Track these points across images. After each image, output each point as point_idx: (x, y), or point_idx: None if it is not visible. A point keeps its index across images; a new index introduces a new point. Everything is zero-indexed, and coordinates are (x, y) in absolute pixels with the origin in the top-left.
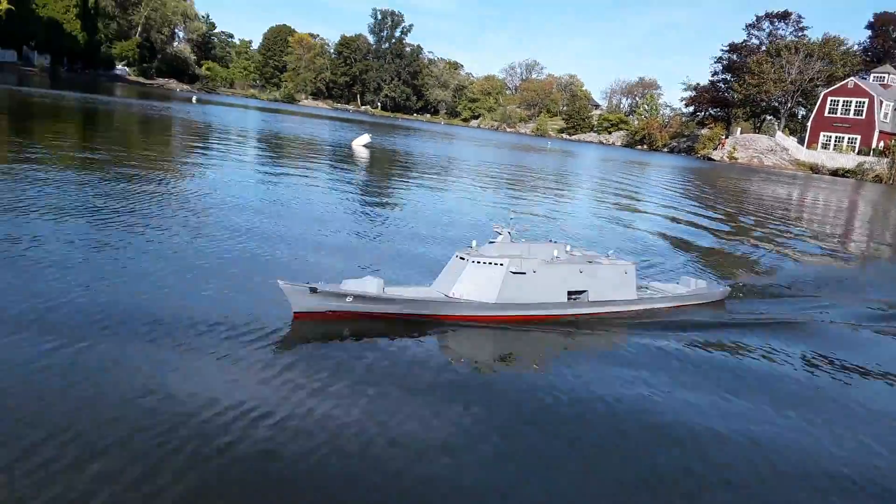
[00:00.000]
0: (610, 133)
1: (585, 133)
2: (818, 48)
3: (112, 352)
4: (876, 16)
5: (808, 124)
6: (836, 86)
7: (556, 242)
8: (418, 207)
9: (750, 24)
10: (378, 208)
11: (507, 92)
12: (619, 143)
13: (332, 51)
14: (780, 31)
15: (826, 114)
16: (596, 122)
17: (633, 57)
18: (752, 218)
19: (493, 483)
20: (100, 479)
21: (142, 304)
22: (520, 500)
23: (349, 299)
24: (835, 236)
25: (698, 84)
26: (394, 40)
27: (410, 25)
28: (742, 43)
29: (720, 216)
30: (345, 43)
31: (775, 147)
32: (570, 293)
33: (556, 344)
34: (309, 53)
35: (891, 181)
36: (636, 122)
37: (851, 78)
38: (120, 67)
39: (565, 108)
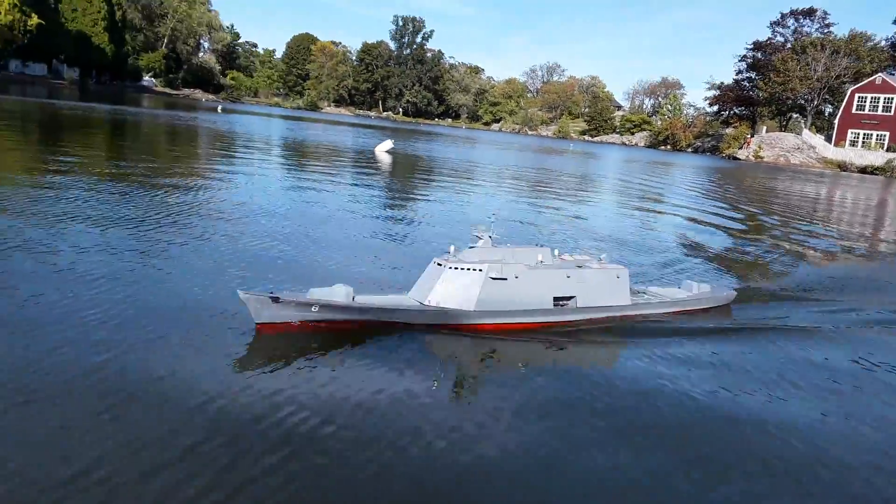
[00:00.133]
0: (633, 134)
1: (608, 134)
2: (844, 44)
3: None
4: None
5: (836, 122)
6: (863, 82)
7: (541, 247)
8: (440, 211)
9: (775, 22)
10: (402, 212)
11: (529, 95)
12: (642, 144)
13: (354, 58)
14: (805, 28)
15: (854, 111)
16: (618, 124)
17: (656, 57)
18: (777, 218)
19: None
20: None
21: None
22: None
23: (315, 309)
24: (862, 236)
25: (722, 83)
26: (415, 46)
27: (431, 31)
28: (767, 41)
29: (743, 216)
30: (366, 50)
31: (802, 145)
32: (556, 299)
33: (538, 354)
34: (331, 61)
35: None
36: (659, 123)
37: (879, 74)
38: (147, 79)
39: (587, 109)
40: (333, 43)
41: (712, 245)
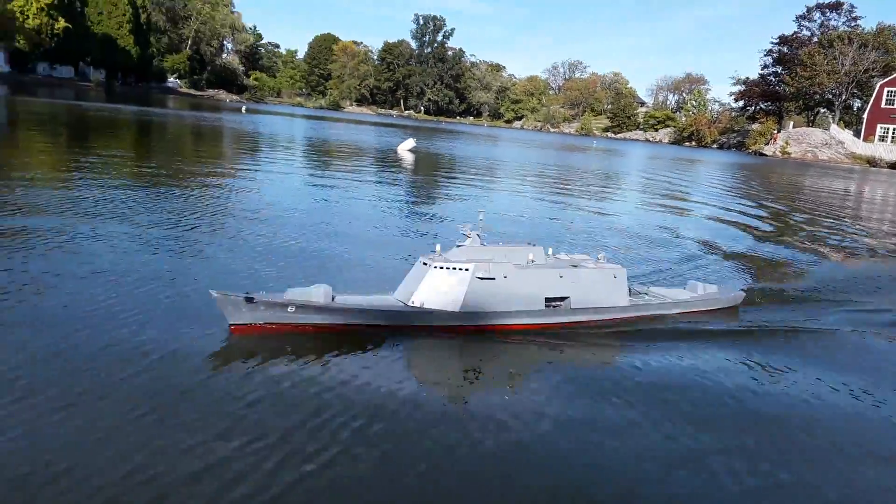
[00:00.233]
0: (656, 130)
1: (631, 131)
2: (873, 38)
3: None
4: None
5: (864, 116)
6: (892, 76)
7: (533, 245)
8: (462, 209)
9: (801, 16)
10: (425, 209)
11: (550, 92)
12: (666, 141)
13: (375, 57)
14: (832, 22)
15: (883, 105)
16: (642, 120)
17: (680, 52)
18: (803, 215)
19: None
20: None
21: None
22: None
23: (291, 310)
24: (891, 234)
25: (748, 78)
26: (436, 45)
27: (452, 29)
28: (793, 35)
29: (767, 214)
30: (388, 49)
31: (830, 140)
32: (548, 300)
33: (527, 357)
34: (353, 61)
35: None
36: (683, 119)
37: None
38: (172, 80)
39: (610, 106)
40: (355, 43)
41: (731, 243)
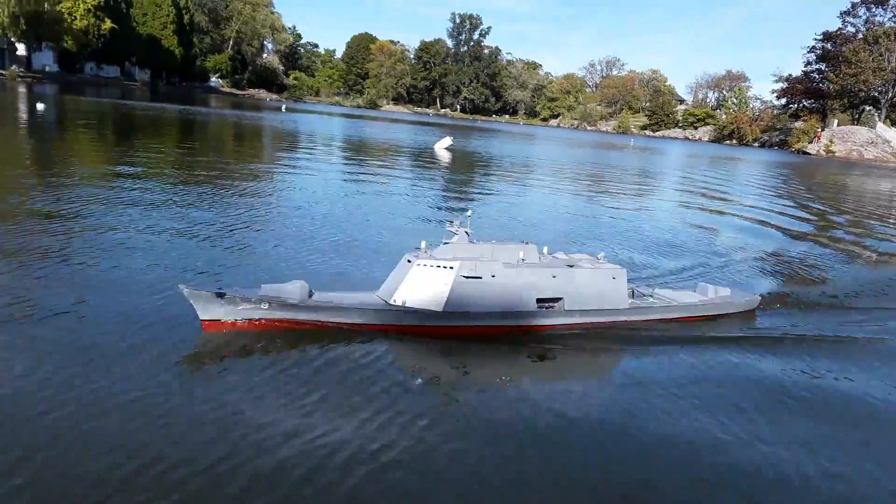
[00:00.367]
0: (696, 128)
1: (670, 129)
2: None
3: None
4: None
5: None
6: None
7: (527, 244)
8: (500, 207)
9: (845, 12)
10: (459, 205)
11: (587, 90)
12: (705, 139)
13: (412, 56)
14: (877, 18)
15: None
16: (681, 118)
17: (721, 49)
18: (844, 217)
19: None
20: None
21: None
22: None
23: (265, 306)
24: None
25: (790, 75)
26: (472, 43)
27: (489, 28)
28: (837, 31)
29: (808, 215)
30: (424, 48)
31: (876, 139)
32: (540, 301)
33: (513, 362)
34: (390, 60)
35: None
36: (724, 117)
37: None
38: (214, 80)
39: (648, 104)
40: (392, 42)
41: (762, 244)
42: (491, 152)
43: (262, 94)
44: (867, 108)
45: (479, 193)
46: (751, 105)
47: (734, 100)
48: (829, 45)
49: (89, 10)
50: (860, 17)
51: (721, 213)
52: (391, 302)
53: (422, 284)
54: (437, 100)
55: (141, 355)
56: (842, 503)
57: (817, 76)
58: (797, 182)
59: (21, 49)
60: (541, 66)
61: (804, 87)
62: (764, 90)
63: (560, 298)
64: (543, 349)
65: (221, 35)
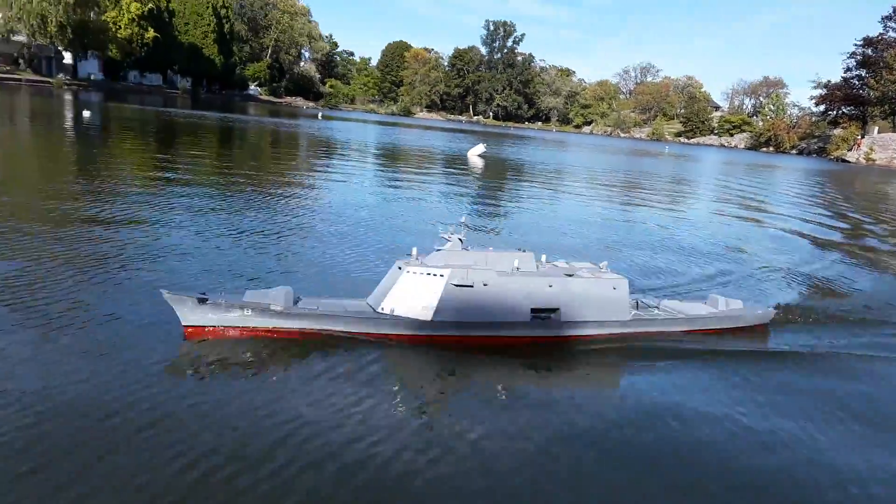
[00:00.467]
0: (732, 135)
1: (705, 136)
2: None
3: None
4: None
5: None
6: None
7: (523, 251)
8: (533, 216)
9: (886, 17)
10: (494, 210)
11: (621, 96)
12: (741, 146)
13: (445, 63)
14: None
15: None
16: (716, 125)
17: (757, 55)
18: (881, 227)
19: None
20: None
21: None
22: None
23: (248, 312)
24: None
25: (829, 81)
26: (506, 50)
27: (522, 35)
28: (878, 36)
29: (844, 225)
30: (458, 55)
31: None
32: (535, 311)
33: (504, 375)
34: (424, 67)
35: None
36: (761, 124)
37: None
38: (252, 88)
39: (683, 110)
40: (426, 49)
41: (792, 255)
42: (524, 159)
43: (298, 101)
44: None
45: (511, 200)
46: (788, 112)
47: (771, 106)
48: (869, 51)
49: (133, 20)
50: None
51: (753, 221)
52: (379, 310)
53: (411, 292)
54: (471, 107)
55: (114, 361)
56: None
57: (857, 82)
58: (835, 190)
59: (68, 58)
60: (574, 72)
61: (844, 94)
62: (802, 96)
63: (557, 309)
64: (538, 361)
65: (260, 44)
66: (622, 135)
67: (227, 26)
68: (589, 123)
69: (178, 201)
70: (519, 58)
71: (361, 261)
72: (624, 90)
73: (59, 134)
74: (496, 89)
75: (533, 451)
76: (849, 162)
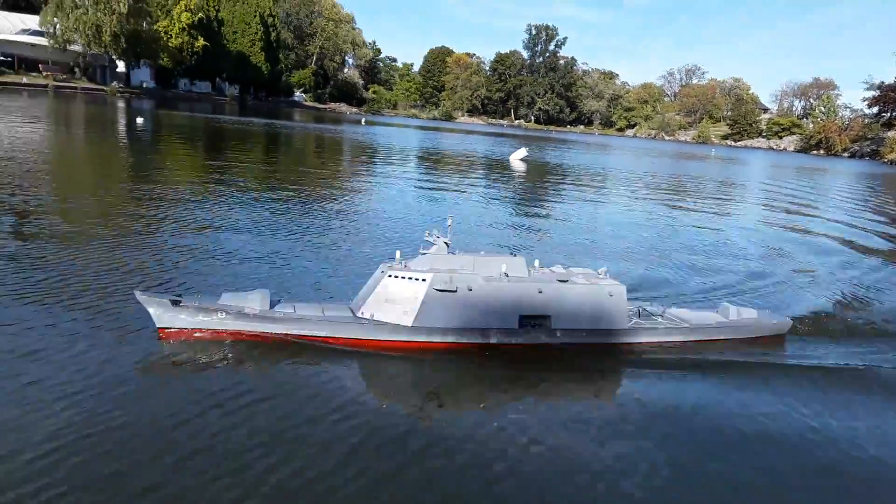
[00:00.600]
0: (780, 138)
1: (753, 139)
2: None
3: None
4: None
5: None
6: None
7: (514, 255)
8: (575, 221)
9: None
10: (540, 219)
11: (666, 99)
12: (791, 149)
13: (487, 68)
14: None
15: None
16: (765, 127)
17: (807, 56)
18: None
19: None
20: None
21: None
22: None
23: (222, 315)
24: None
25: (883, 82)
26: (548, 54)
27: (564, 38)
28: None
29: (889, 231)
30: (500, 60)
31: None
32: (523, 318)
33: (487, 385)
34: (465, 72)
35: None
36: (811, 126)
37: None
38: (298, 94)
39: (729, 112)
40: (468, 54)
41: (834, 262)
42: (566, 163)
43: (342, 107)
44: None
45: (553, 204)
46: (840, 114)
47: (822, 108)
48: None
49: (184, 29)
50: None
51: (797, 226)
52: (359, 314)
53: (391, 297)
54: (512, 111)
55: (86, 362)
56: None
57: None
58: (887, 195)
59: (121, 66)
60: (617, 75)
61: None
62: (854, 98)
63: (547, 316)
64: (525, 371)
65: (305, 51)
66: (667, 138)
67: (273, 34)
68: (632, 126)
69: (226, 205)
70: (561, 61)
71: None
72: (668, 92)
73: (112, 141)
74: (538, 93)
75: (509, 465)
76: None
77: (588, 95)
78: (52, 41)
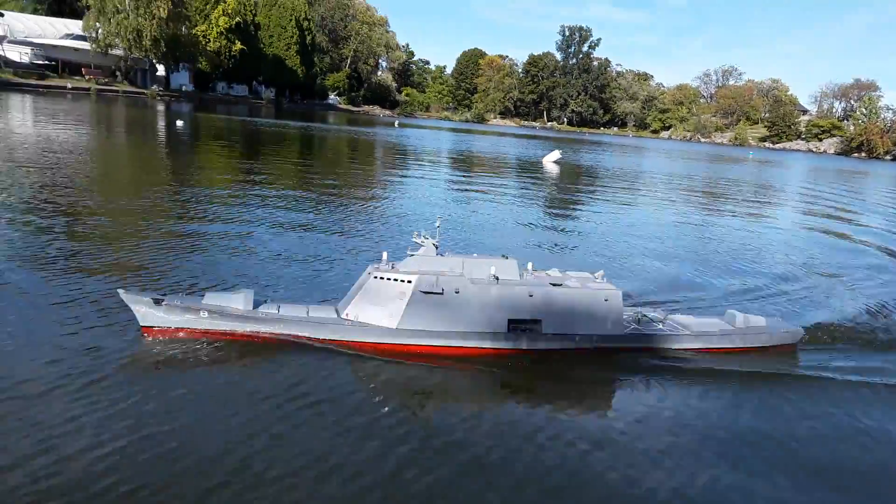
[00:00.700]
0: (820, 140)
1: (791, 141)
2: None
3: None
4: None
5: None
6: None
7: (506, 258)
8: (606, 224)
9: None
10: (570, 221)
11: (701, 100)
12: (831, 151)
13: (520, 70)
14: None
15: None
16: (804, 129)
17: (848, 57)
18: None
19: None
20: None
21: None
22: None
23: (204, 315)
24: None
25: None
26: (581, 55)
27: (598, 39)
28: None
29: None
30: (532, 62)
31: None
32: (512, 322)
33: (475, 391)
34: (498, 74)
35: None
36: (852, 128)
37: None
38: (332, 97)
39: (767, 114)
40: (501, 56)
41: (866, 269)
42: (600, 165)
43: (375, 110)
44: None
45: (586, 206)
46: (882, 115)
47: (863, 110)
48: None
49: (222, 33)
50: None
51: (833, 231)
52: (343, 316)
53: (376, 298)
54: (545, 113)
55: (69, 356)
56: None
57: None
58: None
59: (161, 70)
60: (652, 76)
61: None
62: None
63: (538, 320)
64: (512, 377)
65: (340, 54)
66: (703, 140)
67: (308, 38)
68: (667, 128)
69: (261, 206)
70: (595, 63)
71: None
72: (704, 94)
73: (153, 143)
74: (571, 95)
75: (489, 474)
76: None
77: (622, 97)
78: (94, 45)
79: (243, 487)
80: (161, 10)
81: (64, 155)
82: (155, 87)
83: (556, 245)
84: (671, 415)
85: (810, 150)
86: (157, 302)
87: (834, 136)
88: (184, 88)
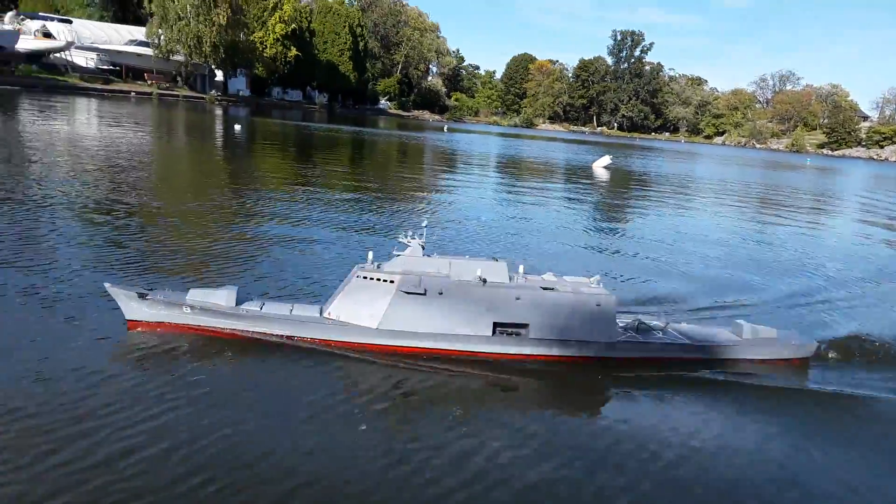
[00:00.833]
0: (882, 147)
1: (851, 148)
2: None
3: None
4: None
5: None
6: None
7: (496, 260)
8: (658, 228)
9: None
10: (618, 224)
11: (757, 106)
12: (893, 159)
13: (570, 75)
14: None
15: None
16: (864, 136)
17: None
18: None
19: None
20: None
21: None
22: None
23: (186, 310)
24: None
25: None
26: (633, 60)
27: (651, 44)
28: None
29: None
30: (583, 66)
31: None
32: (497, 325)
33: (455, 395)
34: (548, 79)
35: None
36: None
37: None
38: (383, 102)
39: (826, 120)
40: (550, 61)
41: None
42: (651, 171)
43: (425, 115)
44: None
45: (636, 211)
46: None
47: None
48: None
49: (278, 40)
50: None
51: (888, 241)
52: (326, 315)
53: (358, 298)
54: (594, 118)
55: (55, 347)
56: None
57: None
58: None
59: (219, 75)
60: (706, 81)
61: None
62: None
63: (525, 325)
64: (498, 382)
65: (391, 60)
66: (758, 146)
67: (361, 44)
68: (721, 134)
69: (314, 208)
70: (647, 67)
71: None
72: (760, 99)
73: (211, 146)
74: (622, 100)
75: (462, 483)
76: None
77: (674, 102)
78: (156, 51)
79: (206, 479)
80: (221, 17)
81: (126, 157)
82: (213, 91)
83: (602, 249)
84: (649, 424)
85: (871, 158)
86: (142, 296)
87: None
88: (241, 93)
